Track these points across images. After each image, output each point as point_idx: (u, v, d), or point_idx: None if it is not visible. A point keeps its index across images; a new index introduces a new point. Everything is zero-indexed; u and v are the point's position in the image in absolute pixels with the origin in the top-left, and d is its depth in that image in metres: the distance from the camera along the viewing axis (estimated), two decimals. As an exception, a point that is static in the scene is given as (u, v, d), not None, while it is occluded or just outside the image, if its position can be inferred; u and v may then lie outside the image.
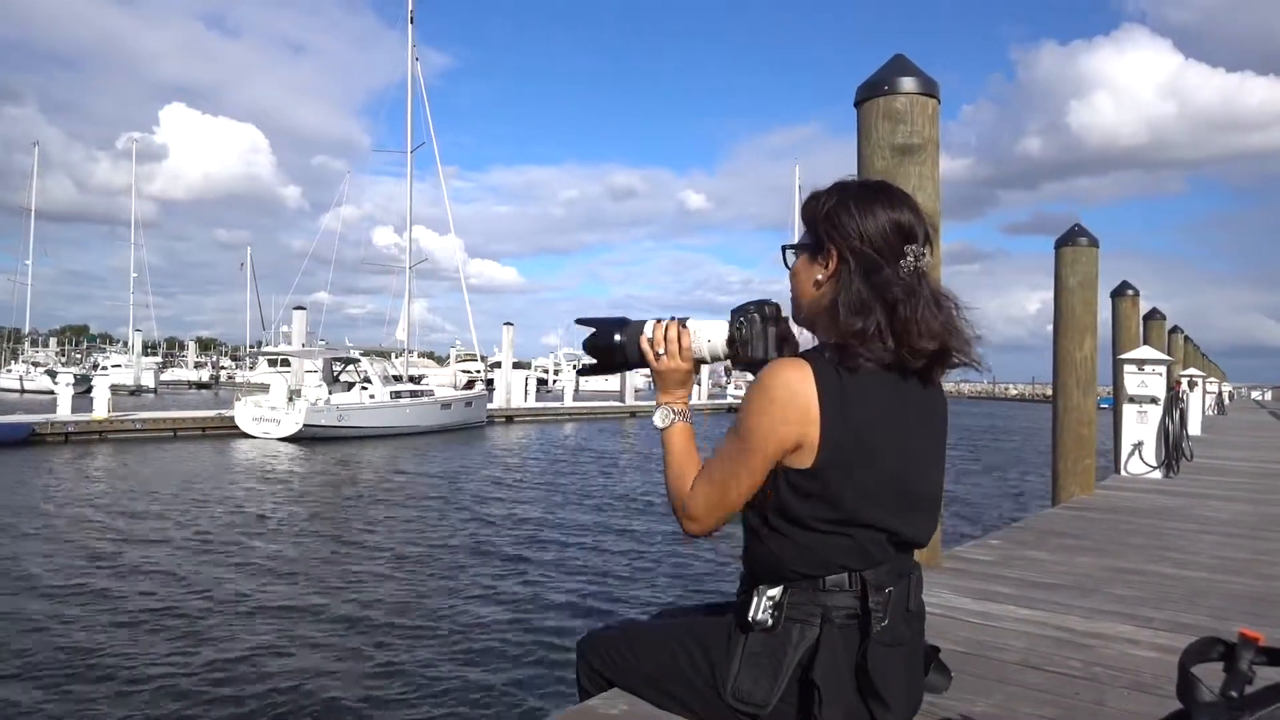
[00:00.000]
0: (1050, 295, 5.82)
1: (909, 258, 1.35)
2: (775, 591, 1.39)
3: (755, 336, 1.46)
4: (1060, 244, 5.73)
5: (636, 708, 1.56)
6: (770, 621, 1.38)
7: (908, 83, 2.88)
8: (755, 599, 1.40)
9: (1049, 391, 6.38)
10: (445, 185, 34.57)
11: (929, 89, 2.91)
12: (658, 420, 1.53)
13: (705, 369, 1.57)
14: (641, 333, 1.53)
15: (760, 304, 1.48)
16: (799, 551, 1.37)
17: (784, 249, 1.48)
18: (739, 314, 1.47)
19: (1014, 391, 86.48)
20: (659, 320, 1.54)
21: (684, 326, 1.51)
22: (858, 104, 3.00)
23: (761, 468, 1.35)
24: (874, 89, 2.93)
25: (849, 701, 1.35)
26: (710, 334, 1.50)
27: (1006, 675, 1.91)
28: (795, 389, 1.31)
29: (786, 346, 1.48)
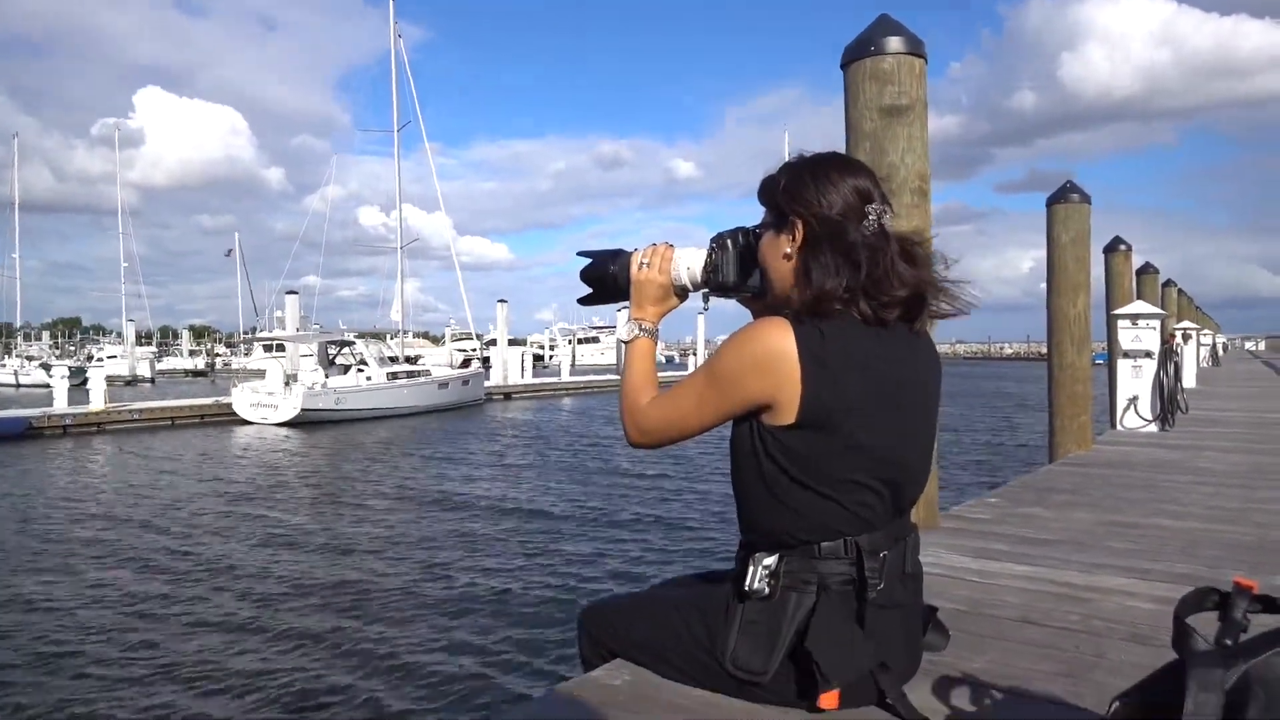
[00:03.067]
0: (1043, 253, 5.80)
1: (870, 217, 1.38)
2: (771, 560, 1.40)
3: (726, 264, 1.51)
4: (1052, 201, 5.71)
5: (639, 677, 1.57)
6: (767, 590, 1.39)
7: (894, 42, 2.85)
8: (752, 568, 1.41)
9: (1044, 350, 6.39)
10: (433, 162, 34.30)
11: (915, 48, 2.88)
12: (622, 333, 1.58)
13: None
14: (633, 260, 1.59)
15: (735, 231, 1.52)
16: (793, 519, 1.37)
17: (750, 233, 1.52)
18: (714, 240, 1.53)
19: (1009, 351, 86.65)
20: (653, 244, 1.61)
21: (671, 248, 1.58)
22: (844, 66, 2.96)
23: (722, 410, 1.40)
24: (860, 50, 2.90)
25: (854, 664, 1.37)
26: (689, 261, 1.55)
27: (1005, 631, 1.92)
28: (774, 345, 1.32)
29: (758, 273, 1.51)
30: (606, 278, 1.62)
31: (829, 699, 1.37)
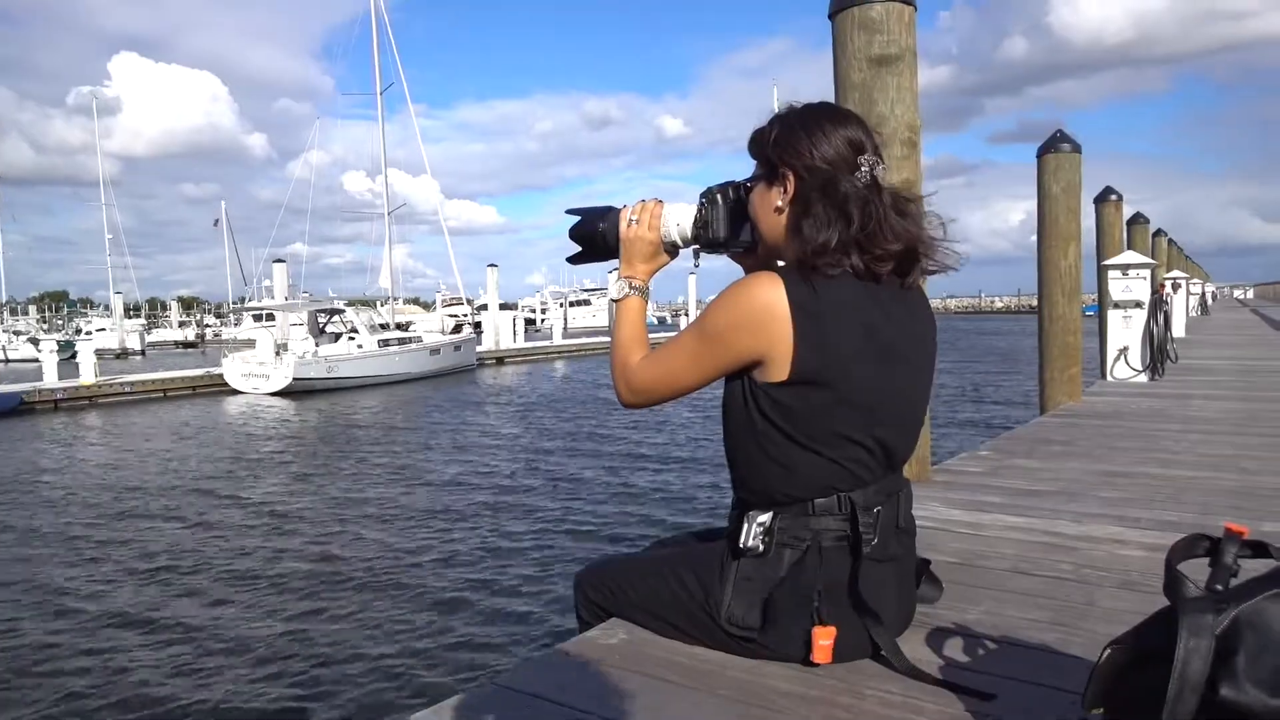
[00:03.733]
0: (1034, 205, 5.77)
1: (863, 168, 1.35)
2: (765, 517, 1.40)
3: (717, 218, 1.48)
4: (1042, 152, 5.66)
5: (635, 635, 1.58)
6: (761, 547, 1.40)
7: (882, -10, 2.78)
8: (746, 525, 1.41)
9: (1034, 303, 6.38)
10: (417, 125, 33.85)
11: (904, -5, 2.82)
12: (613, 291, 1.56)
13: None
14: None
15: (725, 185, 1.50)
16: (787, 476, 1.37)
17: (741, 186, 1.49)
18: (704, 195, 1.50)
19: (1000, 304, 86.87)
20: (642, 200, 1.58)
21: (660, 204, 1.55)
22: (831, 15, 2.90)
23: (713, 368, 1.38)
24: (848, -1, 2.84)
25: (847, 618, 1.38)
26: (679, 217, 1.52)
27: (997, 582, 1.94)
28: (765, 301, 1.30)
29: (749, 227, 1.49)
30: (596, 236, 1.59)
31: (823, 652, 1.38)
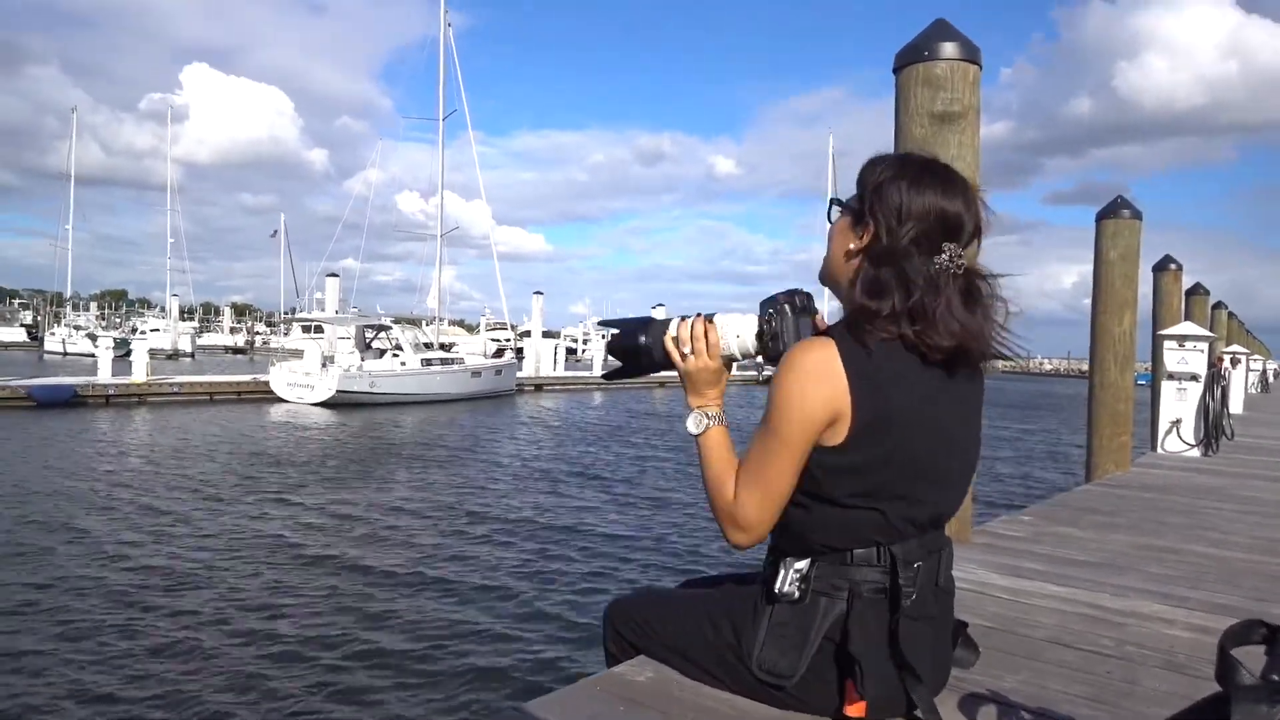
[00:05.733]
0: (1088, 268, 5.69)
1: (944, 255, 1.31)
2: (802, 564, 1.38)
3: (786, 329, 1.39)
4: (1102, 216, 5.59)
5: (662, 674, 1.56)
6: (797, 594, 1.38)
7: (949, 48, 2.80)
8: (782, 571, 1.39)
9: (1084, 367, 6.26)
10: (476, 154, 34.60)
11: (971, 55, 2.83)
12: (691, 426, 1.45)
13: (735, 368, 1.51)
14: (666, 331, 1.46)
15: (790, 294, 1.42)
16: (826, 525, 1.36)
17: (832, 202, 1.45)
18: (768, 305, 1.41)
19: (1048, 366, 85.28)
20: (684, 318, 1.47)
21: (710, 322, 1.44)
22: (896, 70, 2.93)
23: (802, 454, 1.32)
24: (913, 55, 2.86)
25: (884, 674, 1.35)
26: (739, 329, 1.43)
27: (1036, 652, 1.89)
28: (823, 369, 1.29)
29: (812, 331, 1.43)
30: (640, 350, 1.48)
31: (856, 708, 1.35)
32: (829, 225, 1.45)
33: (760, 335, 1.41)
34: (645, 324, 1.49)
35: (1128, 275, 5.54)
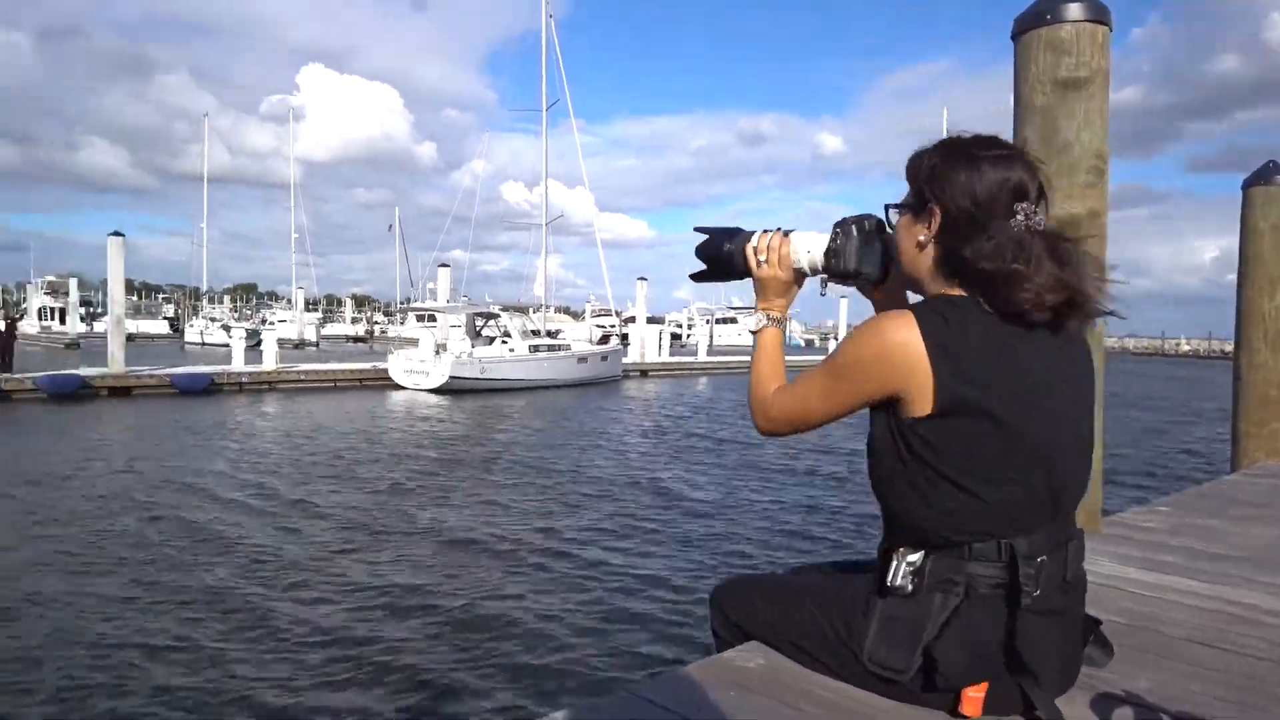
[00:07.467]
0: (1229, 241, 5.26)
1: (1019, 215, 1.28)
2: (916, 557, 1.34)
3: (847, 250, 1.47)
4: (1249, 184, 5.15)
5: (773, 660, 1.55)
6: (910, 588, 1.34)
7: (1074, 9, 2.64)
8: (895, 563, 1.36)
9: (1227, 348, 5.82)
10: (579, 142, 35.02)
11: (1099, 15, 2.65)
12: (751, 324, 1.60)
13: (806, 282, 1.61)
14: (749, 242, 1.58)
15: (861, 217, 1.48)
16: (939, 517, 1.31)
17: (887, 208, 1.45)
18: (838, 226, 1.49)
19: (1186, 347, 79.42)
20: (766, 231, 1.58)
21: (786, 236, 1.55)
22: (1015, 36, 2.77)
23: (843, 405, 1.37)
24: (1035, 19, 2.70)
25: (995, 674, 1.30)
26: (810, 245, 1.53)
27: (1173, 651, 1.77)
28: (896, 340, 1.27)
29: (888, 261, 1.46)
30: (722, 256, 1.61)
31: (972, 704, 1.31)
32: (890, 229, 1.46)
33: (827, 252, 1.50)
34: (732, 233, 1.62)
35: (1279, 247, 5.09)
